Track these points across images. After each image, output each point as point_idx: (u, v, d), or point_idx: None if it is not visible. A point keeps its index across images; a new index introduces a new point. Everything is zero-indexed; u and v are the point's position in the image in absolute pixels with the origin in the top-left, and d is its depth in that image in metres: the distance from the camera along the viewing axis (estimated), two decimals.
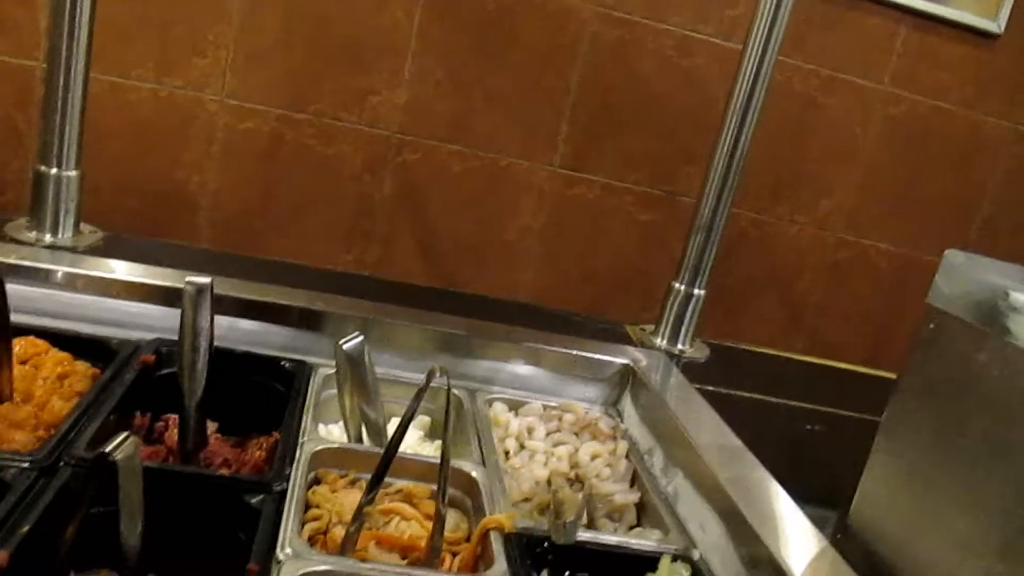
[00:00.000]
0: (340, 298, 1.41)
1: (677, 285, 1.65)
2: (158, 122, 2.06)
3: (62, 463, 0.92)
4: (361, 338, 1.13)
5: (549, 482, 1.17)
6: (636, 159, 2.31)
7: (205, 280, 1.11)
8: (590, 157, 2.29)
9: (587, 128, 2.26)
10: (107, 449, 0.69)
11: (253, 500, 0.93)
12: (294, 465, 1.02)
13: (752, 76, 1.54)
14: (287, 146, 2.14)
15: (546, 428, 1.32)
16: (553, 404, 1.38)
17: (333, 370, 1.28)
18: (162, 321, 1.31)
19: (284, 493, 0.96)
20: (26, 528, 0.80)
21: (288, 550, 0.86)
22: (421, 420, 1.33)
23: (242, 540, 0.91)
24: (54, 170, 1.43)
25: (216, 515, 0.94)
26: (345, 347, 1.13)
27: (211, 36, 2.02)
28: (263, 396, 1.26)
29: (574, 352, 1.44)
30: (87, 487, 0.89)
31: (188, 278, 1.10)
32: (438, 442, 1.26)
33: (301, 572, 0.83)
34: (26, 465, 0.89)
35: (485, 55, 2.15)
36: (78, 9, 1.36)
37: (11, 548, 0.76)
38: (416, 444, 1.27)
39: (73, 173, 1.45)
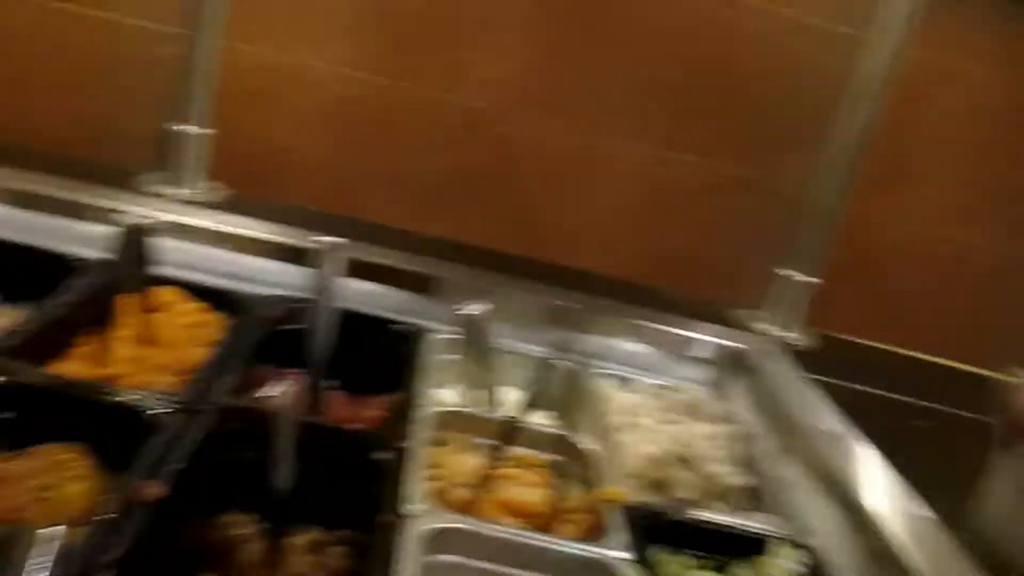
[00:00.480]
0: (454, 265, 1.43)
1: (788, 272, 1.62)
2: (265, 86, 2.10)
3: (205, 406, 0.96)
4: (485, 306, 1.15)
5: (659, 459, 1.17)
6: (734, 142, 2.27)
7: (338, 240, 1.15)
8: (688, 138, 2.26)
9: (687, 109, 2.22)
10: (267, 394, 0.72)
11: (378, 456, 0.96)
12: (414, 425, 1.05)
13: (881, 61, 1.50)
14: (390, 115, 2.17)
15: (655, 406, 1.32)
16: (662, 383, 1.38)
17: (445, 335, 1.31)
18: (287, 277, 1.36)
19: (407, 451, 0.98)
20: (177, 466, 0.84)
21: (413, 506, 0.88)
22: (527, 391, 1.34)
23: (368, 493, 0.94)
24: (188, 127, 1.49)
25: (342, 468, 0.97)
26: (469, 313, 1.15)
27: (322, 4, 2.04)
28: (378, 357, 1.29)
29: (685, 333, 1.43)
30: (231, 431, 0.93)
31: (321, 237, 1.14)
32: (544, 412, 1.28)
33: (430, 527, 0.85)
34: (174, 407, 0.94)
35: (587, 31, 2.13)
36: None
37: (165, 482, 0.80)
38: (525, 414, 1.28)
39: (206, 131, 1.51)
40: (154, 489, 0.78)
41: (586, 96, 2.18)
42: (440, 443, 1.08)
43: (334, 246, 1.15)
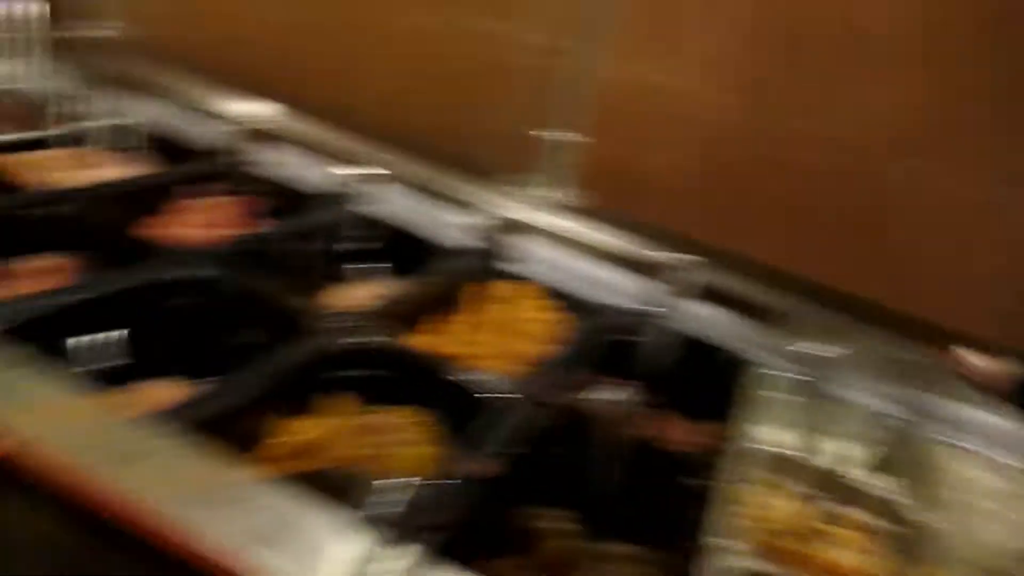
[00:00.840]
0: (805, 302, 1.36)
1: None
2: (640, 104, 2.14)
3: (539, 398, 1.00)
4: (834, 349, 1.08)
5: (1003, 550, 1.02)
6: None
7: (690, 260, 1.14)
8: None
9: None
10: (604, 399, 0.73)
11: (696, 482, 0.94)
12: (737, 459, 1.01)
13: None
14: (763, 146, 2.10)
15: (1007, 489, 1.15)
16: (1019, 465, 1.20)
17: (784, 373, 1.24)
18: (632, 290, 1.38)
19: (726, 483, 0.95)
20: (507, 450, 0.88)
21: (727, 541, 0.85)
22: (860, 446, 1.23)
23: (681, 516, 0.92)
24: (561, 134, 1.57)
25: (658, 485, 0.95)
26: (815, 354, 1.08)
27: (708, 29, 2.04)
28: (710, 383, 1.26)
29: None
30: (560, 427, 0.96)
31: (674, 256, 1.13)
32: (876, 472, 1.17)
33: (744, 567, 0.81)
34: (510, 393, 0.99)
35: (1001, 69, 1.90)
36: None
37: (498, 463, 0.84)
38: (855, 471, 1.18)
39: (577, 139, 1.57)
40: (486, 467, 0.82)
41: (983, 142, 1.96)
42: (759, 483, 1.02)
43: (685, 266, 1.14)
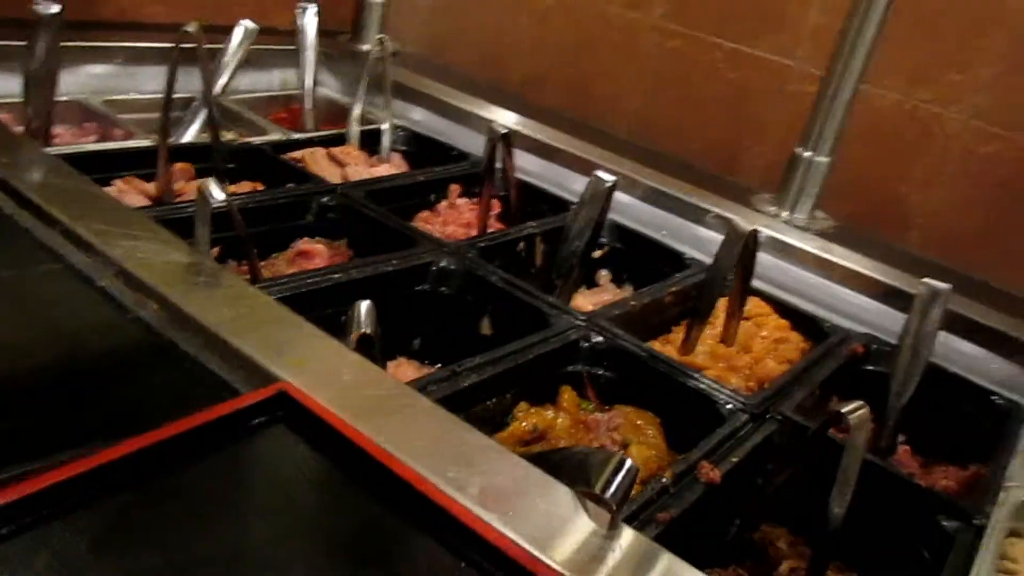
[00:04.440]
0: None
1: None
2: (894, 132, 2.02)
3: (771, 415, 0.98)
4: None
5: None
6: None
7: (942, 287, 1.07)
8: None
9: None
10: (842, 411, 0.70)
11: (947, 523, 0.87)
12: (995, 507, 0.92)
13: None
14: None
15: None
16: None
17: None
18: (874, 316, 1.31)
19: (982, 529, 0.87)
20: (735, 459, 0.87)
21: None
22: None
23: (925, 558, 0.86)
24: (808, 153, 1.51)
25: (901, 522, 0.90)
26: None
27: (975, 50, 1.89)
28: (963, 424, 1.17)
29: None
30: (791, 446, 0.94)
31: (924, 280, 1.07)
32: None
33: None
34: (741, 407, 0.97)
35: None
36: (868, 17, 1.41)
37: (723, 471, 0.83)
38: None
39: (824, 159, 1.52)
40: (713, 473, 0.82)
41: None
42: (1017, 534, 0.93)
43: (936, 294, 1.07)
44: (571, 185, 1.55)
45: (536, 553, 0.56)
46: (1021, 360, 1.21)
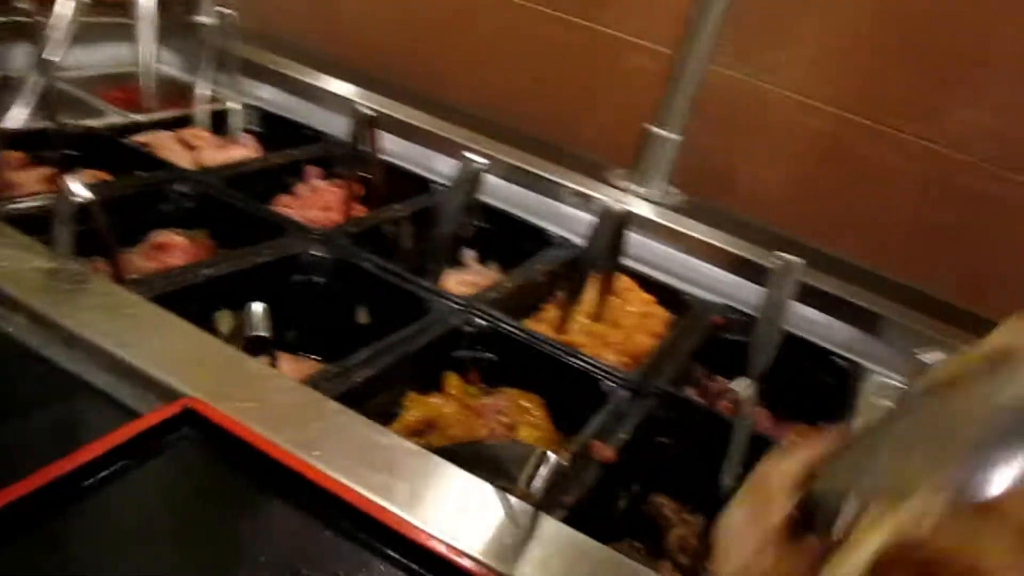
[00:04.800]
0: (903, 309, 1.35)
1: None
2: (728, 106, 2.14)
3: (650, 390, 1.02)
4: (942, 356, 1.07)
5: None
6: None
7: (796, 260, 1.14)
8: None
9: None
10: (729, 394, 0.74)
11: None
12: None
13: None
14: (839, 148, 2.08)
15: None
16: None
17: (886, 378, 1.24)
18: (730, 288, 1.39)
19: None
20: (624, 436, 0.91)
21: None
22: None
23: None
24: (659, 130, 1.58)
25: None
26: (925, 361, 1.08)
27: (793, 29, 2.02)
28: (809, 385, 1.27)
29: None
30: (671, 418, 0.98)
31: (778, 254, 1.14)
32: None
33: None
34: (622, 383, 1.01)
35: None
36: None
37: (618, 450, 0.87)
38: None
39: (675, 136, 1.58)
40: (607, 452, 0.84)
41: None
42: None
43: (790, 267, 1.14)
44: (431, 164, 1.54)
45: (466, 551, 0.57)
46: (858, 323, 1.32)
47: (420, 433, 0.95)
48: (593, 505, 0.83)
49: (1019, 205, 1.97)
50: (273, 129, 1.56)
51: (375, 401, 0.89)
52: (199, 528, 0.55)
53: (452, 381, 1.03)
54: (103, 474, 0.54)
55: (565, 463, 0.61)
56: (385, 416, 0.92)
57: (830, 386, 1.24)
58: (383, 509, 0.57)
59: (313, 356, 1.08)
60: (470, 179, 1.19)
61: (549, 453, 0.60)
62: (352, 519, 0.57)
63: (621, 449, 0.88)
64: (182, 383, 0.62)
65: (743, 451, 0.78)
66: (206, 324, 0.93)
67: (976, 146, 1.97)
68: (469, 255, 1.42)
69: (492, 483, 0.62)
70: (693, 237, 1.42)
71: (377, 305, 1.12)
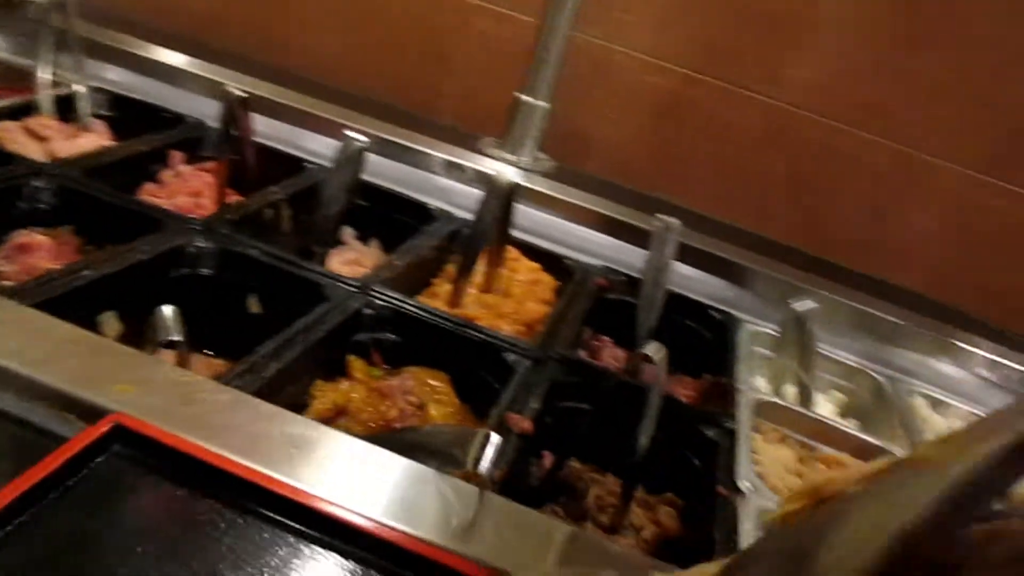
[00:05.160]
0: (773, 261, 1.44)
1: None
2: (574, 71, 2.18)
3: (551, 357, 1.04)
4: (814, 305, 1.16)
5: None
6: None
7: (674, 222, 1.20)
8: (1010, 164, 2.08)
9: (1014, 132, 2.04)
10: (647, 351, 0.78)
11: (709, 432, 1.00)
12: (738, 409, 1.08)
13: None
14: (686, 107, 2.17)
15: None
16: (979, 413, 1.31)
17: (758, 327, 1.33)
18: (607, 250, 1.43)
19: (734, 432, 1.02)
20: (535, 406, 0.93)
21: (749, 484, 0.92)
22: (834, 395, 1.33)
23: (696, 465, 0.99)
24: (528, 98, 1.60)
25: (674, 439, 1.01)
26: (798, 309, 1.16)
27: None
28: (690, 339, 1.33)
29: (1014, 365, 1.35)
30: (574, 384, 1.02)
31: (659, 216, 1.19)
32: (851, 420, 1.26)
33: (768, 508, 0.88)
34: (524, 353, 1.03)
35: (921, 39, 2.01)
36: None
37: (533, 419, 0.89)
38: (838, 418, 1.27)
39: (543, 104, 1.61)
40: (525, 423, 0.87)
41: (906, 107, 2.08)
42: (762, 431, 1.10)
43: (670, 227, 1.20)
44: (301, 143, 1.49)
45: (422, 537, 0.57)
46: (729, 276, 1.40)
47: (331, 420, 0.94)
48: (517, 476, 0.85)
49: (850, 155, 2.13)
50: (125, 113, 1.47)
51: (286, 393, 0.88)
52: (147, 549, 0.52)
53: (356, 365, 1.02)
54: (34, 509, 0.51)
55: (501, 440, 0.62)
56: (296, 407, 0.90)
57: (709, 339, 1.31)
58: (332, 504, 0.57)
59: (207, 352, 1.04)
60: (352, 158, 1.16)
61: (492, 434, 0.62)
62: (303, 519, 0.56)
63: (535, 418, 0.91)
64: (105, 399, 0.59)
65: (656, 412, 0.81)
66: (91, 328, 0.89)
67: (810, 101, 2.10)
68: (348, 233, 1.40)
69: (438, 468, 0.62)
70: (571, 203, 1.45)
71: (269, 293, 1.08)
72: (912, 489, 0.34)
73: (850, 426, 1.19)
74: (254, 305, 1.09)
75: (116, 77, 1.55)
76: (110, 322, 0.95)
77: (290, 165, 1.42)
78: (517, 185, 1.10)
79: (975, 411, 1.32)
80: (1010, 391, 1.36)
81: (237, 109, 1.19)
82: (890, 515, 0.33)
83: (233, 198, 1.28)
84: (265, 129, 1.48)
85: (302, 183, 1.34)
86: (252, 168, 1.30)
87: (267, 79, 1.61)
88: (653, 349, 0.79)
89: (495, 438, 0.62)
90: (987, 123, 2.03)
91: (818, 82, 2.09)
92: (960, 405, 1.32)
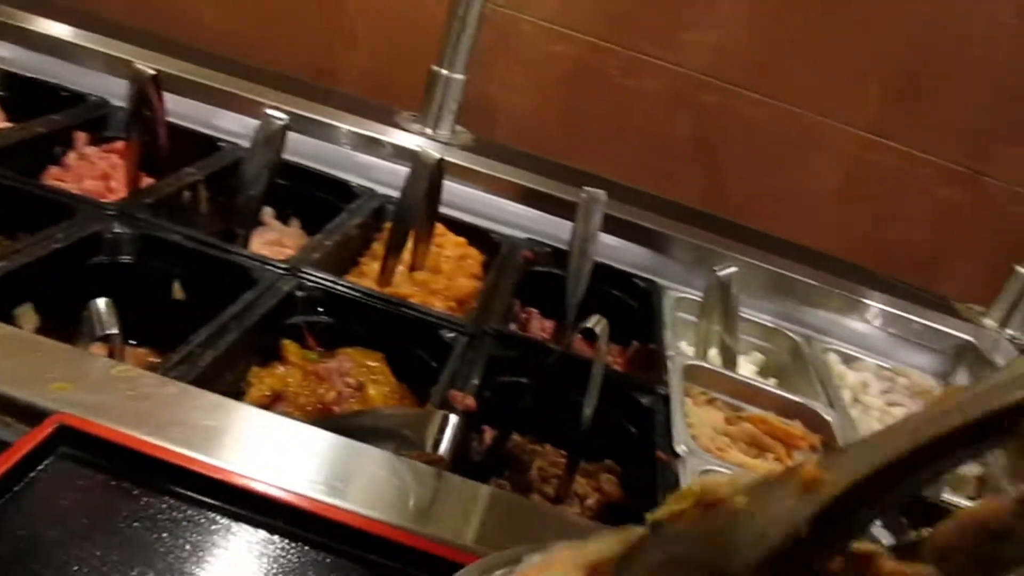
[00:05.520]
0: (691, 228, 1.47)
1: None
2: (483, 41, 2.18)
3: (485, 332, 1.05)
4: (734, 269, 1.20)
5: None
6: (946, 132, 2.17)
7: (599, 193, 1.21)
8: (897, 123, 2.18)
9: (900, 93, 2.14)
10: (589, 325, 0.79)
11: (643, 399, 1.03)
12: (668, 375, 1.11)
13: None
14: (590, 74, 2.20)
15: (880, 387, 1.33)
16: (887, 365, 1.39)
17: (681, 294, 1.37)
18: (530, 222, 1.44)
19: (667, 397, 1.04)
20: (475, 382, 0.94)
21: (684, 447, 0.95)
22: (755, 356, 1.38)
23: (632, 432, 1.01)
24: (445, 72, 1.58)
25: (609, 407, 1.03)
26: (720, 275, 1.19)
27: None
28: (616, 307, 1.36)
29: (914, 318, 1.43)
30: (510, 358, 1.02)
31: (585, 188, 1.21)
32: (771, 379, 1.31)
33: (705, 469, 0.91)
34: (459, 330, 1.03)
35: (806, 3, 2.09)
36: None
37: (474, 396, 0.89)
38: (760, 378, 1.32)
39: (459, 76, 1.59)
40: (468, 400, 0.87)
41: (800, 70, 2.15)
42: (692, 394, 1.14)
43: (595, 199, 1.21)
44: (213, 121, 1.44)
45: (385, 520, 0.57)
46: (650, 244, 1.43)
47: (270, 406, 0.92)
48: (459, 452, 0.85)
49: (750, 118, 2.19)
50: (19, 92, 1.39)
51: (223, 380, 0.86)
52: (104, 551, 0.51)
53: (291, 349, 1.00)
54: None
55: (460, 421, 0.63)
56: (233, 394, 0.88)
57: (635, 308, 1.34)
58: (292, 493, 0.56)
59: (131, 341, 1.00)
60: (273, 136, 1.13)
61: (450, 415, 0.62)
62: (265, 510, 0.55)
63: (476, 395, 0.91)
64: (43, 399, 0.57)
65: (599, 384, 0.83)
66: (7, 322, 0.85)
67: (710, 65, 2.15)
68: (268, 214, 1.37)
69: (395, 451, 0.62)
70: (493, 176, 1.45)
71: (194, 279, 1.05)
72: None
73: (771, 385, 1.24)
74: (179, 292, 1.06)
75: (8, 54, 1.46)
76: (27, 315, 0.91)
77: (203, 145, 1.37)
78: (443, 161, 1.09)
79: (883, 364, 1.39)
80: (913, 343, 1.44)
81: (148, 87, 1.14)
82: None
83: (145, 181, 1.23)
84: (174, 107, 1.42)
85: (219, 163, 1.30)
86: (165, 149, 1.25)
87: (168, 53, 1.54)
88: (594, 322, 0.80)
89: (454, 419, 0.62)
90: (875, 84, 2.12)
91: (716, 45, 2.14)
92: (869, 359, 1.39)
